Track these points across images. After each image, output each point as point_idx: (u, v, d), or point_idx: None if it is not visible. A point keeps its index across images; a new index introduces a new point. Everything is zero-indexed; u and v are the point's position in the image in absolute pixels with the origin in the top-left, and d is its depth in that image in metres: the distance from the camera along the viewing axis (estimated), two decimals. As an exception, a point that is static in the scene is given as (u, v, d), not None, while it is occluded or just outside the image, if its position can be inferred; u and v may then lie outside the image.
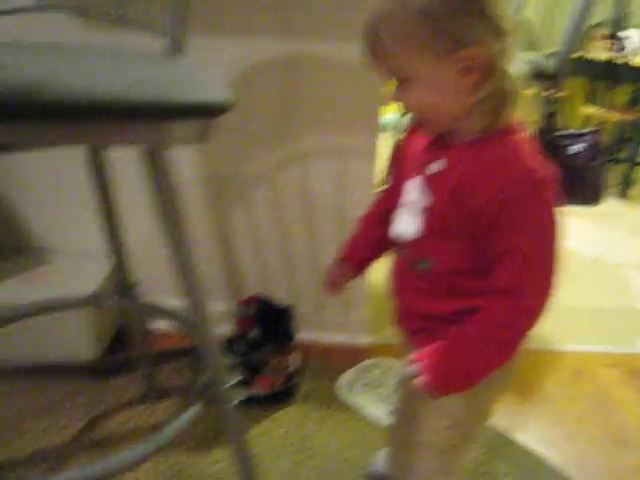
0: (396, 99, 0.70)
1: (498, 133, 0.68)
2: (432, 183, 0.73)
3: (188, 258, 0.77)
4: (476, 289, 0.71)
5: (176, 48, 0.88)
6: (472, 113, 0.67)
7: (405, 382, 0.86)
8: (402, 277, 0.82)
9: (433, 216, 0.73)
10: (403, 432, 0.91)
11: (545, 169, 0.66)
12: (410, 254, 0.78)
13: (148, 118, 0.56)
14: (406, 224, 0.77)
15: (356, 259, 0.94)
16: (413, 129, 0.81)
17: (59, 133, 0.55)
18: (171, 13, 0.95)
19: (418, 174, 0.75)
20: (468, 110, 0.67)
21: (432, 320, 0.78)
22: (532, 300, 0.67)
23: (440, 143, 0.73)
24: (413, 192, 0.75)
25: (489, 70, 0.64)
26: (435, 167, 0.72)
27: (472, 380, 0.71)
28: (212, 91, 0.61)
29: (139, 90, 0.54)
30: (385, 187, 0.90)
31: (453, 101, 0.67)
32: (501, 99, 0.66)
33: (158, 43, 0.92)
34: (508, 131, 0.68)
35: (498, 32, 0.63)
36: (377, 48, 0.65)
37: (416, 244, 0.76)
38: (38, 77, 0.51)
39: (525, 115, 0.72)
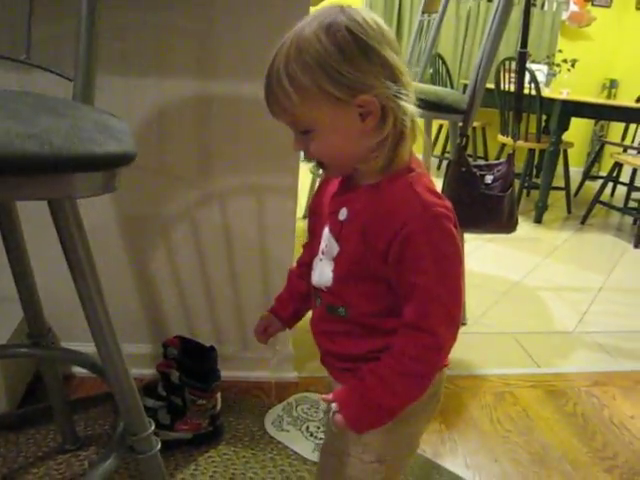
0: (298, 148, 0.71)
1: (397, 172, 0.70)
2: (341, 229, 0.74)
3: (97, 306, 0.75)
4: (394, 327, 0.72)
5: (84, 92, 0.86)
6: (372, 155, 0.69)
7: (329, 419, 0.86)
8: (321, 321, 0.83)
9: (345, 262, 0.74)
10: (331, 468, 0.91)
11: (443, 202, 0.68)
12: (325, 301, 0.79)
13: (49, 171, 0.54)
14: (321, 272, 0.77)
15: (286, 314, 0.94)
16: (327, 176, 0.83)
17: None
18: (78, 54, 0.94)
19: (330, 221, 0.76)
20: (370, 152, 0.68)
21: (354, 360, 0.78)
22: (440, 333, 0.68)
23: (346, 187, 0.75)
24: (327, 239, 0.77)
25: (386, 112, 0.65)
26: (343, 213, 0.73)
27: (388, 415, 0.71)
28: (115, 141, 0.60)
29: (39, 142, 0.53)
30: (307, 239, 0.91)
31: (355, 145, 0.68)
32: (399, 138, 0.68)
33: (65, 86, 0.90)
34: (407, 169, 0.70)
35: (392, 75, 0.65)
36: (281, 101, 0.66)
37: (330, 291, 0.76)
38: None
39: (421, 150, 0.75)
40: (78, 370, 1.57)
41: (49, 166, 0.54)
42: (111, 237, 1.43)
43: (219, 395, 1.34)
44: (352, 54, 0.62)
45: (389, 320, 0.73)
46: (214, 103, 1.33)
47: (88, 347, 1.10)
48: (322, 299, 0.79)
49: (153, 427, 0.88)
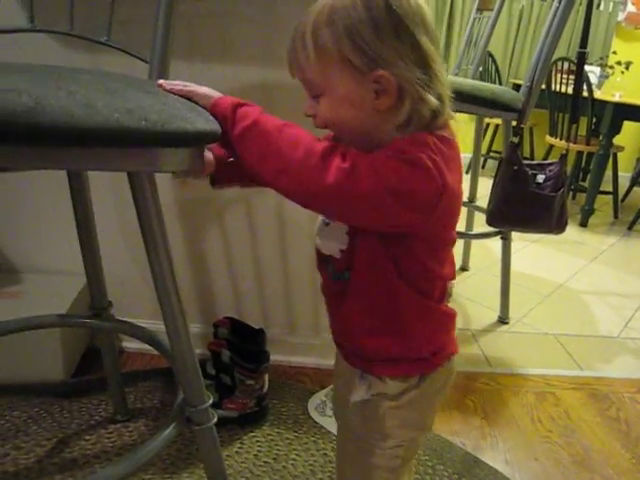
0: (309, 112, 0.70)
1: None
2: None
3: (170, 281, 0.78)
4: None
5: (160, 73, 0.90)
6: (386, 138, 0.66)
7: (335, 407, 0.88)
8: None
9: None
10: (350, 454, 0.90)
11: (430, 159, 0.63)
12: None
13: (144, 145, 0.57)
14: (330, 236, 0.77)
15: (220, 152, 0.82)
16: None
17: (53, 158, 0.56)
18: (156, 38, 0.97)
19: None
20: (384, 135, 0.67)
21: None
22: (324, 177, 0.62)
23: None
24: None
25: (403, 95, 0.64)
26: None
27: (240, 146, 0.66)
28: (203, 119, 0.63)
29: (137, 116, 0.56)
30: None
31: (364, 121, 0.66)
32: (420, 128, 0.66)
33: (141, 67, 0.94)
34: None
35: (420, 60, 0.64)
36: (300, 57, 0.65)
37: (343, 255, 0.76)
38: (34, 101, 0.52)
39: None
40: (127, 345, 1.63)
41: (145, 140, 0.57)
42: (167, 218, 1.46)
43: (266, 376, 1.37)
44: (383, 27, 0.61)
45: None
46: (276, 91, 1.36)
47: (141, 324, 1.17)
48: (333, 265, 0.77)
49: (211, 400, 0.91)
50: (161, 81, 0.70)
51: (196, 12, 1.31)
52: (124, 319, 1.25)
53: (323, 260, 0.78)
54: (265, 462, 1.28)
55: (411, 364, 0.78)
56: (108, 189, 1.43)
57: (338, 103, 0.66)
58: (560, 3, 1.77)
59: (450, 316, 0.80)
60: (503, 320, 2.13)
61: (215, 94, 0.69)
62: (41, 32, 0.93)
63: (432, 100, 0.64)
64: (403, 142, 0.64)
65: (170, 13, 0.96)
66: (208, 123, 0.63)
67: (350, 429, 0.87)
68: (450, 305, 0.81)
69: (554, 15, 1.80)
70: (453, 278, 0.80)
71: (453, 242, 0.76)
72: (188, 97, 0.69)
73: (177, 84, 0.69)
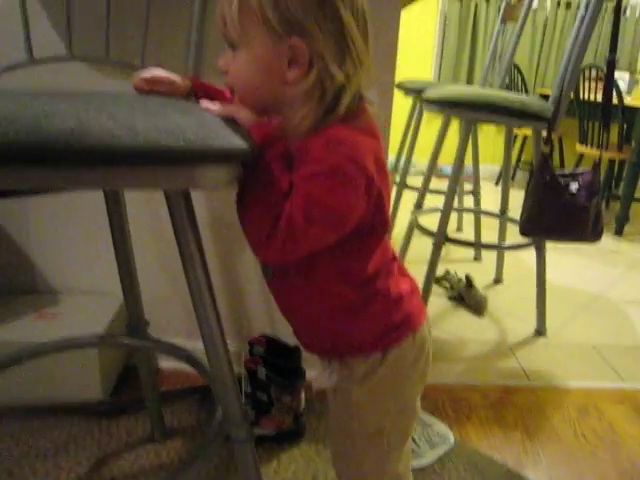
0: (223, 67, 0.71)
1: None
2: None
3: (208, 299, 0.79)
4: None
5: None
6: (289, 109, 0.69)
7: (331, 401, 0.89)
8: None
9: None
10: (340, 450, 0.92)
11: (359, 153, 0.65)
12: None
13: (185, 163, 0.58)
14: None
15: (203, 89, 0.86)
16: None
17: (96, 179, 0.57)
18: (188, 60, 0.99)
19: None
20: (286, 105, 0.69)
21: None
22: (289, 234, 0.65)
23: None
24: None
25: (310, 68, 0.65)
26: None
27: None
28: (239, 137, 0.63)
29: (176, 136, 0.56)
30: None
31: (270, 86, 0.68)
32: (323, 108, 0.67)
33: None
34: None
35: (339, 38, 0.65)
36: (225, 8, 0.66)
37: None
38: (78, 124, 0.54)
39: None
40: (162, 364, 1.64)
41: (184, 158, 0.58)
42: (201, 235, 1.48)
43: (303, 394, 1.37)
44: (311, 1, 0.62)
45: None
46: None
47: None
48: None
49: (251, 417, 0.91)
50: (204, 103, 0.71)
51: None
52: (160, 338, 1.26)
53: None
54: (303, 480, 1.27)
55: (369, 343, 0.79)
56: (142, 208, 1.45)
57: (250, 61, 0.68)
58: (587, 11, 1.75)
59: (400, 295, 0.79)
60: (540, 332, 2.09)
61: (251, 118, 0.70)
62: (79, 60, 0.95)
63: (339, 77, 0.66)
64: (318, 146, 0.65)
65: (202, 36, 0.99)
66: (243, 140, 0.63)
67: (333, 422, 0.89)
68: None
69: (581, 23, 1.78)
70: (395, 260, 0.82)
71: (386, 228, 0.77)
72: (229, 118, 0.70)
73: (220, 105, 0.71)
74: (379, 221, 0.73)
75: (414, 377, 0.84)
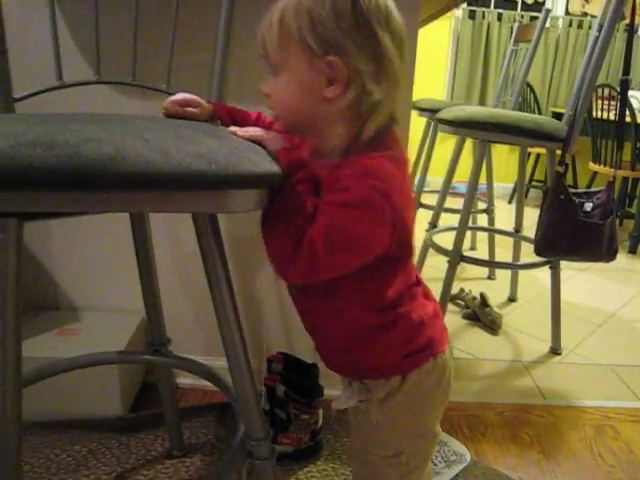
0: (265, 90, 0.74)
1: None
2: None
3: (233, 317, 0.81)
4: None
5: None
6: (326, 127, 0.71)
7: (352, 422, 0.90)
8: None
9: None
10: (360, 470, 0.92)
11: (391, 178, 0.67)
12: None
13: (216, 187, 0.61)
14: None
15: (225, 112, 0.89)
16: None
17: (130, 202, 0.60)
18: (213, 83, 1.02)
19: None
20: (325, 123, 0.71)
21: None
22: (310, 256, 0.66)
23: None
24: None
25: (349, 86, 0.67)
26: None
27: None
28: (268, 161, 0.66)
29: (207, 160, 0.59)
30: None
31: (311, 106, 0.70)
32: (359, 124, 0.70)
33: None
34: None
35: (376, 57, 0.67)
36: (265, 34, 0.69)
37: None
38: (115, 150, 0.56)
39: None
40: (180, 381, 1.66)
41: (215, 182, 0.60)
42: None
43: (321, 411, 1.38)
44: (344, 14, 0.65)
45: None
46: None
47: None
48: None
49: (272, 434, 0.93)
50: (233, 128, 0.73)
51: (245, 57, 1.37)
52: (181, 355, 1.28)
53: None
54: (321, 498, 1.28)
55: (389, 366, 0.80)
56: (161, 227, 1.48)
57: (291, 83, 0.70)
58: (600, 33, 1.77)
59: (422, 319, 0.80)
60: (555, 351, 2.09)
61: (278, 142, 0.72)
62: (107, 84, 0.98)
63: (376, 94, 0.68)
64: (349, 174, 0.66)
65: (226, 58, 1.02)
66: (272, 165, 0.66)
67: (353, 442, 0.90)
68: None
69: (594, 45, 1.80)
70: (419, 284, 0.82)
71: (410, 254, 0.78)
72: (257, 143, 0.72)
73: (248, 130, 0.73)
74: (403, 250, 0.74)
75: (435, 401, 0.85)
